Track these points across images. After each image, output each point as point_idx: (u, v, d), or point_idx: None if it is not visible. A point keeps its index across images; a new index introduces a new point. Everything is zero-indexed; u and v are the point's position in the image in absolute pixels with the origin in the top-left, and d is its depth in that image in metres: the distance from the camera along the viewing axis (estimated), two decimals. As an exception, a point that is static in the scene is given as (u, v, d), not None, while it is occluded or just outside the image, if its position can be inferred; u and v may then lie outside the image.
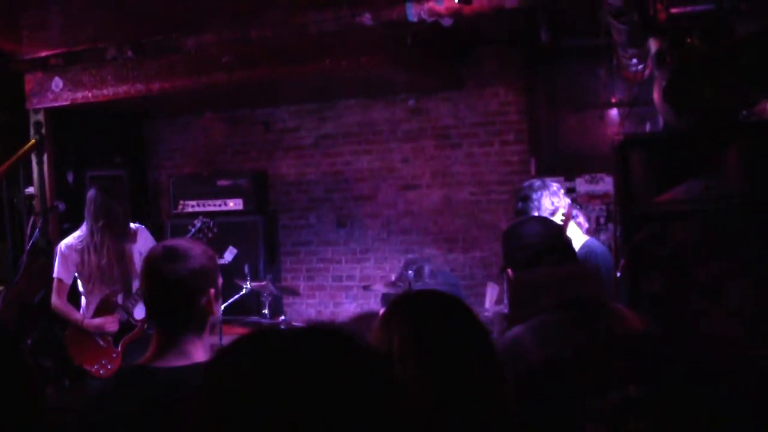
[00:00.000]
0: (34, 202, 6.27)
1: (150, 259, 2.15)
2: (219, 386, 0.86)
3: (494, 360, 1.74)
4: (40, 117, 6.33)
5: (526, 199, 4.05)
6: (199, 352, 2.11)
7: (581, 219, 4.25)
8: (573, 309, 2.31)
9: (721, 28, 2.86)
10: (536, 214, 4.01)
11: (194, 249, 2.16)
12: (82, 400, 2.17)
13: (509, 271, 2.52)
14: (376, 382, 0.87)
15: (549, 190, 4.06)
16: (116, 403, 1.99)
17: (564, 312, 2.29)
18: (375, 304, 6.71)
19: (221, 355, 0.90)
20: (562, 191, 4.14)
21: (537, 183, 4.12)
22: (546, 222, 2.80)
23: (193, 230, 5.07)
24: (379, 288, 5.60)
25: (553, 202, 4.01)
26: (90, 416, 2.00)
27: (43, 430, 1.58)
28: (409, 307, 1.77)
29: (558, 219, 4.01)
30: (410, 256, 6.64)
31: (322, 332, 0.90)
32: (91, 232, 4.78)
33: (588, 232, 4.32)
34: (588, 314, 2.32)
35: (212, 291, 2.15)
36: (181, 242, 2.22)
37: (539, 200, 4.01)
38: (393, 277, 6.61)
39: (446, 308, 1.76)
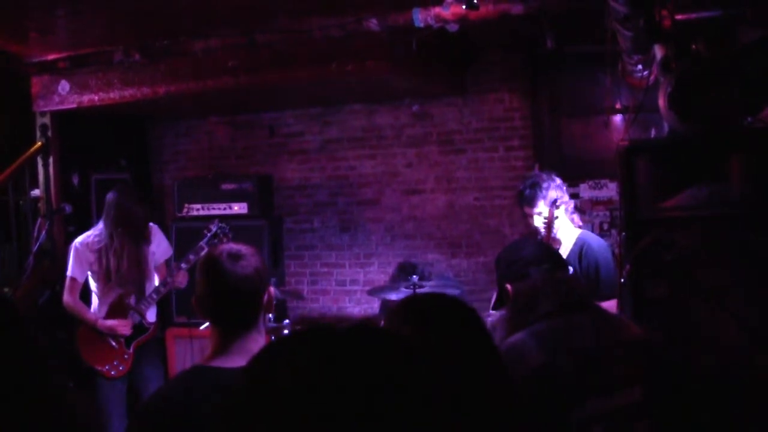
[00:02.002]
0: (39, 205, 6.29)
1: (212, 261, 2.18)
2: (269, 385, 0.85)
3: (501, 363, 1.75)
4: (46, 120, 6.35)
5: (536, 186, 4.16)
6: None
7: (576, 216, 4.32)
8: (572, 313, 2.33)
9: (726, 35, 2.87)
10: (542, 202, 4.11)
11: (250, 249, 2.24)
12: (149, 401, 2.17)
13: (507, 286, 2.55)
14: (423, 377, 0.88)
15: (555, 183, 4.22)
16: (184, 403, 2.00)
17: (564, 316, 2.32)
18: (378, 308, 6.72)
19: (272, 352, 0.90)
20: (565, 187, 4.27)
21: (545, 174, 4.28)
22: (536, 240, 2.85)
23: (209, 234, 5.06)
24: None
25: (556, 198, 4.12)
26: (158, 417, 2.00)
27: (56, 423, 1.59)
28: (415, 309, 1.78)
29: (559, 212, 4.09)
30: (403, 261, 6.65)
31: (372, 331, 0.90)
32: (110, 236, 4.78)
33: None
34: (588, 318, 2.34)
35: (272, 289, 2.26)
36: (237, 244, 2.28)
37: (548, 189, 4.14)
38: (387, 280, 6.62)
39: (453, 311, 1.77)
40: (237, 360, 2.06)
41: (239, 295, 2.15)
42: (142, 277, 4.90)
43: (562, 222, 4.15)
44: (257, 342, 2.14)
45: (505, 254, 2.68)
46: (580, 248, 4.11)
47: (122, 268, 4.76)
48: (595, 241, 4.20)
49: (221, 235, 5.02)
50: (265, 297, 2.21)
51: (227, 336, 2.13)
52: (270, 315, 2.27)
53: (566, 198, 4.23)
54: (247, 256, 2.19)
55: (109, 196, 4.86)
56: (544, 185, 4.15)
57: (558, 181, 4.23)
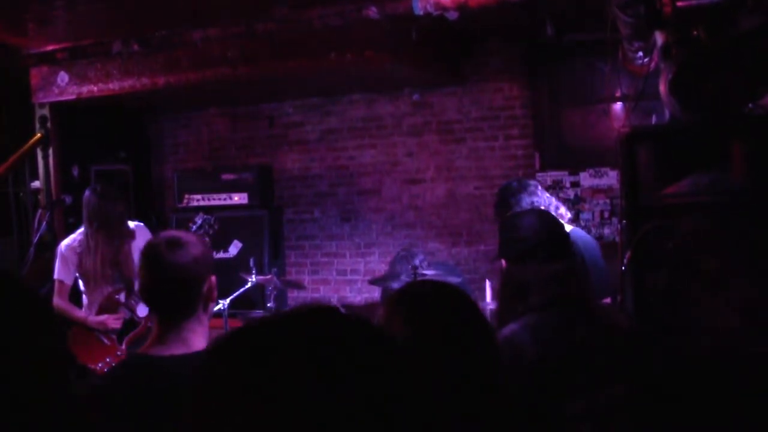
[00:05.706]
0: (39, 196, 6.28)
1: (151, 250, 2.17)
2: (217, 374, 0.84)
3: (496, 354, 1.75)
4: (46, 111, 6.34)
5: (503, 202, 3.89)
6: (200, 340, 2.15)
7: (562, 210, 4.12)
8: (561, 308, 2.32)
9: (727, 21, 2.86)
10: None
11: (192, 237, 2.22)
12: (86, 389, 2.17)
13: (502, 261, 2.55)
14: (392, 365, 0.85)
15: (527, 191, 3.91)
16: (120, 392, 2.01)
17: (553, 311, 2.31)
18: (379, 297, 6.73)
19: (222, 342, 0.88)
20: (540, 188, 3.98)
21: (514, 184, 3.98)
22: (544, 216, 2.78)
23: (194, 227, 5.07)
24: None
25: (532, 202, 3.84)
26: (94, 405, 2.01)
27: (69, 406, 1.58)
28: (411, 298, 1.77)
29: None
30: (401, 251, 6.64)
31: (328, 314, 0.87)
32: (86, 235, 4.79)
33: (589, 226, 4.28)
34: (577, 313, 2.33)
35: (213, 278, 2.21)
36: (179, 232, 2.26)
37: (518, 202, 3.85)
38: (386, 270, 6.61)
39: (449, 300, 1.76)
40: (174, 348, 2.07)
41: (175, 284, 2.13)
42: (128, 272, 4.88)
43: None
44: (195, 332, 2.13)
45: (508, 224, 2.64)
46: None
47: (96, 267, 4.75)
48: (582, 238, 3.89)
49: (207, 227, 5.03)
50: (206, 286, 2.17)
51: (166, 324, 2.12)
52: (213, 304, 2.23)
53: (544, 198, 3.92)
54: (187, 244, 2.15)
55: (85, 194, 4.86)
56: (513, 200, 3.85)
57: (532, 186, 3.94)
